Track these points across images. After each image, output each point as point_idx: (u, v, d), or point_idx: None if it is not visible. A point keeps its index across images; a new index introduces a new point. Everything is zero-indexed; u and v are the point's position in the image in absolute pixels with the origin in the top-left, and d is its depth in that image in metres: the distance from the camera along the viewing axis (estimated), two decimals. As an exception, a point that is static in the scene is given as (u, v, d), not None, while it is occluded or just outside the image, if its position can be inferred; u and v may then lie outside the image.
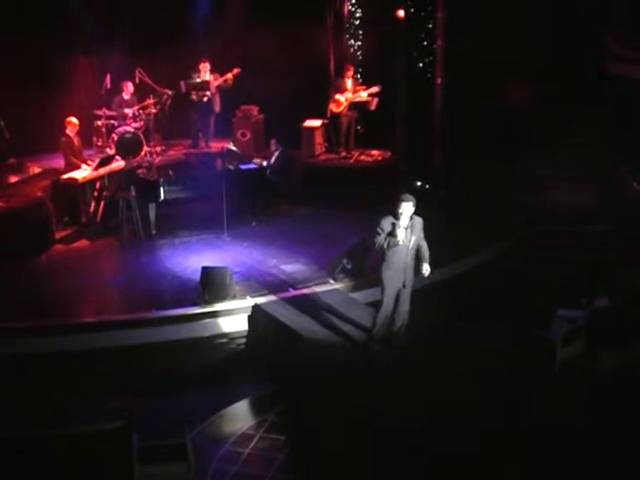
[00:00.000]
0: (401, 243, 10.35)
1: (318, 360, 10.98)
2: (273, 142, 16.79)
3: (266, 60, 18.87)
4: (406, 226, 10.38)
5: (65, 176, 15.48)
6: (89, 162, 16.00)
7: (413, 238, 10.46)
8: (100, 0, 18.41)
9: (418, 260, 10.65)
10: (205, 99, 18.52)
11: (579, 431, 9.36)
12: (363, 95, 17.98)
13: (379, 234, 10.42)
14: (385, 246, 10.41)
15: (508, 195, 16.37)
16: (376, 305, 11.03)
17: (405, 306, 10.78)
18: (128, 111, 17.51)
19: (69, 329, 11.94)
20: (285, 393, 10.92)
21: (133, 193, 15.17)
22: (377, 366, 10.66)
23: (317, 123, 18.61)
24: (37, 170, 17.17)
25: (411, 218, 10.44)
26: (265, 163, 16.54)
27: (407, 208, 10.38)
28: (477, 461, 8.84)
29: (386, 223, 10.42)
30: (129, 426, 9.19)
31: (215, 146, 18.59)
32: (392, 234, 10.33)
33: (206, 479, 9.39)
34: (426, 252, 10.69)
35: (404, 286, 10.64)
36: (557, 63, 17.63)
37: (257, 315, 12.36)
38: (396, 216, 10.39)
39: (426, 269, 10.66)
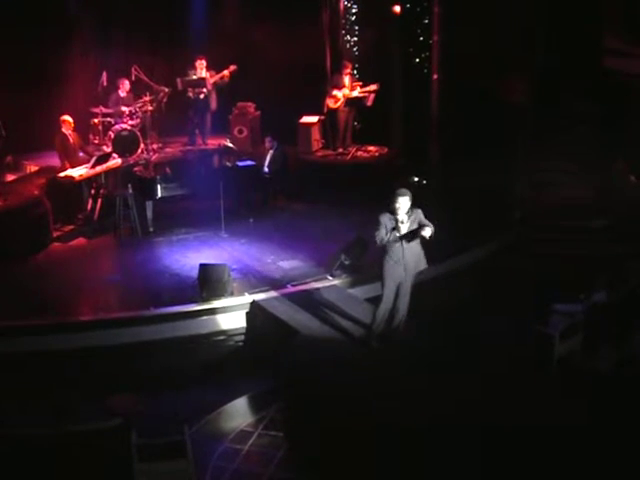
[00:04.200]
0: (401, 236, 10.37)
1: (316, 356, 10.97)
2: (268, 139, 16.74)
3: (262, 57, 18.92)
4: (403, 220, 10.39)
5: (62, 174, 15.48)
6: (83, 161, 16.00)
7: (409, 228, 10.44)
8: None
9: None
10: (201, 96, 18.50)
11: (577, 427, 9.35)
12: (360, 91, 17.99)
13: (379, 230, 10.42)
14: (386, 241, 10.42)
15: (506, 190, 16.36)
16: (375, 301, 11.03)
17: (404, 300, 10.75)
18: (125, 109, 17.50)
19: (67, 327, 11.93)
20: (284, 390, 10.92)
21: (130, 191, 15.18)
22: (376, 361, 10.64)
23: (314, 119, 18.62)
24: (34, 168, 17.16)
25: (409, 211, 10.44)
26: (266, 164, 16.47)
27: (404, 202, 10.39)
28: (477, 460, 8.83)
29: (385, 219, 10.43)
30: (128, 424, 9.18)
31: (212, 143, 18.60)
32: (395, 229, 10.35)
33: (205, 476, 9.38)
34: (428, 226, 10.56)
35: (405, 275, 10.62)
36: (554, 57, 17.61)
37: (255, 312, 12.35)
38: (393, 211, 10.40)
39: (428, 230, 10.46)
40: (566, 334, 10.66)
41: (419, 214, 10.53)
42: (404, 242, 10.47)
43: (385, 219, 10.43)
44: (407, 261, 10.59)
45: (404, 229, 10.39)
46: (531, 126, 17.35)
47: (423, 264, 10.85)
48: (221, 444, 10.07)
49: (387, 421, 9.37)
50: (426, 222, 10.52)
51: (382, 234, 10.42)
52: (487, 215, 15.39)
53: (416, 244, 10.61)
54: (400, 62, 18.20)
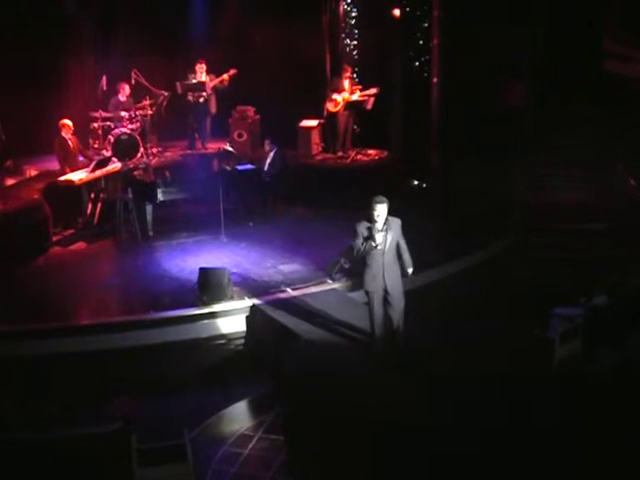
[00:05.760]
0: (379, 248, 10.28)
1: (316, 360, 10.97)
2: (267, 142, 16.76)
3: (262, 60, 18.94)
4: (381, 229, 10.26)
5: (62, 178, 15.48)
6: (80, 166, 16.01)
7: (389, 240, 10.29)
8: (96, 1, 18.43)
9: (400, 258, 10.53)
10: (201, 100, 18.51)
11: (577, 430, 9.35)
12: (360, 95, 18.02)
13: (356, 240, 10.31)
14: (362, 251, 10.35)
15: (506, 193, 16.36)
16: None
17: (398, 307, 10.57)
18: (124, 113, 17.51)
19: (67, 331, 11.93)
20: (284, 393, 10.92)
21: (130, 195, 15.18)
22: (377, 366, 10.63)
23: (313, 123, 18.64)
24: (34, 172, 17.19)
25: (386, 220, 10.31)
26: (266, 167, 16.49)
27: (382, 210, 10.23)
28: (477, 461, 8.82)
29: (362, 228, 10.28)
30: (128, 428, 9.17)
31: (211, 147, 18.60)
32: (369, 238, 10.23)
33: (205, 480, 9.42)
34: (406, 254, 10.52)
35: (387, 290, 10.47)
36: (554, 61, 17.62)
37: (255, 316, 12.36)
38: (371, 220, 10.26)
39: (409, 270, 10.57)
40: (566, 337, 10.65)
41: (397, 224, 10.38)
42: (385, 254, 10.39)
43: (362, 228, 10.28)
44: (387, 269, 10.42)
45: (380, 238, 10.26)
46: (531, 129, 17.36)
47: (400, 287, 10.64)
48: (221, 448, 10.09)
49: (388, 424, 9.36)
50: (402, 242, 10.44)
51: (358, 244, 10.30)
52: (487, 218, 15.37)
53: (395, 265, 10.52)
54: (400, 65, 18.21)
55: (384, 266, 10.39)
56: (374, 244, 10.22)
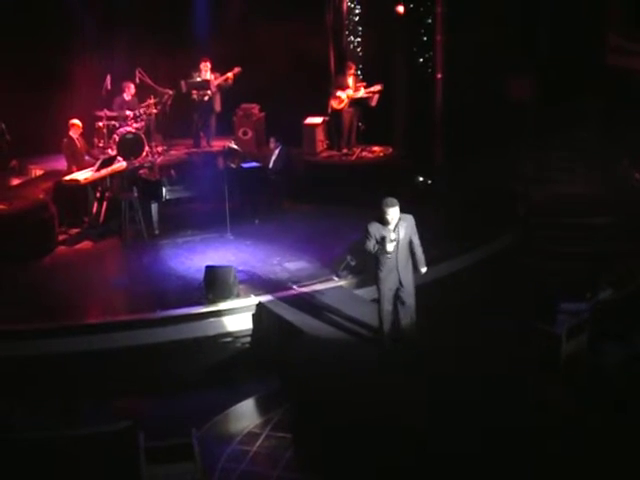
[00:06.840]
0: (390, 253, 10.29)
1: (323, 357, 10.97)
2: (272, 140, 16.81)
3: (266, 58, 18.89)
4: (393, 230, 10.26)
5: (67, 178, 15.51)
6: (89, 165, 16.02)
7: (402, 237, 10.29)
8: (100, 1, 18.46)
9: (413, 255, 10.57)
10: (206, 98, 18.54)
11: (584, 426, 9.34)
12: (364, 92, 18.01)
13: (368, 241, 10.30)
14: (374, 251, 10.37)
15: (510, 188, 16.35)
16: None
17: (409, 304, 10.60)
18: (129, 112, 17.52)
19: (73, 330, 11.95)
20: (291, 391, 10.92)
21: (135, 193, 15.21)
22: (381, 362, 10.63)
23: (318, 120, 18.62)
24: (39, 172, 17.21)
25: (399, 218, 10.28)
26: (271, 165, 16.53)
27: (394, 213, 10.20)
28: (480, 459, 8.81)
29: (374, 229, 10.27)
30: (135, 426, 9.19)
31: (217, 145, 18.63)
32: (382, 243, 10.23)
33: (213, 478, 9.40)
34: (419, 250, 10.53)
35: (401, 285, 10.52)
36: (557, 55, 17.60)
37: (261, 313, 12.36)
38: (383, 222, 10.24)
39: (422, 270, 10.61)
40: (572, 333, 10.65)
41: (409, 221, 10.38)
42: (398, 252, 10.38)
43: (374, 230, 10.26)
44: (401, 266, 10.44)
45: (393, 241, 10.24)
46: (535, 124, 17.34)
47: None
48: (229, 446, 10.09)
49: (392, 422, 9.36)
50: (416, 239, 10.45)
51: (371, 246, 10.30)
52: (492, 214, 15.36)
53: (408, 261, 10.52)
54: (404, 62, 18.18)
55: (398, 263, 10.42)
56: (387, 250, 10.21)
